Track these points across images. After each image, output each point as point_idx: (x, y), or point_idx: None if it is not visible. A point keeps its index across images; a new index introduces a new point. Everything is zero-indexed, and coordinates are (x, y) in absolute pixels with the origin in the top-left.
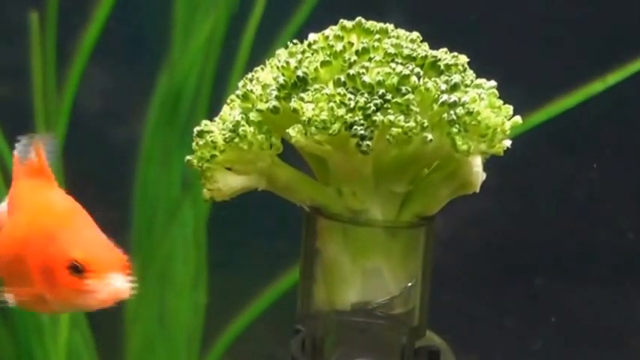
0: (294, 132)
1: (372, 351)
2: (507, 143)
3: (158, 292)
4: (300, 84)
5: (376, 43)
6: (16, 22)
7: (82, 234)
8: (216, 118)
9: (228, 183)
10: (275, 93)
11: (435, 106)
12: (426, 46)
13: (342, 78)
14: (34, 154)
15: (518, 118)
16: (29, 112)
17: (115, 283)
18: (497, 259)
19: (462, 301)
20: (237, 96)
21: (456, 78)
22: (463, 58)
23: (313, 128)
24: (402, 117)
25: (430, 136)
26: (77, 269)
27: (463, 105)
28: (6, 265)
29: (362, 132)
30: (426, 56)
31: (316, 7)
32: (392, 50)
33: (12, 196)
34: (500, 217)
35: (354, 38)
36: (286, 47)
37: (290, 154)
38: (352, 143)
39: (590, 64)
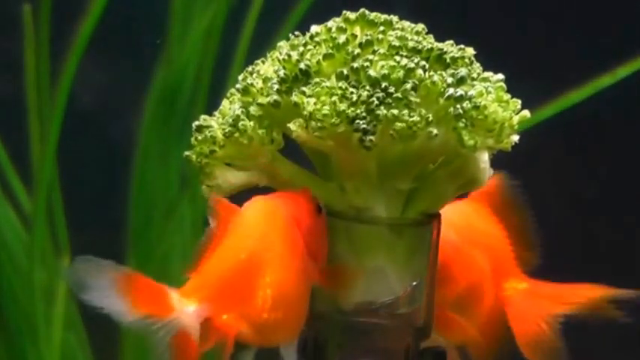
0: (295, 127)
1: (376, 352)
2: (515, 138)
3: None
4: (301, 77)
5: (380, 36)
6: (9, 15)
7: None
8: (216, 113)
9: (228, 179)
10: (276, 86)
11: (441, 100)
12: (431, 38)
13: (346, 71)
14: None
15: (526, 113)
16: (22, 107)
17: None
18: None
19: None
20: (237, 90)
21: (463, 71)
22: (470, 51)
23: (315, 123)
24: (406, 111)
25: (435, 131)
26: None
27: (470, 99)
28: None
29: (365, 126)
30: (431, 49)
31: None
32: (396, 43)
33: None
34: None
35: (357, 30)
36: (288, 39)
37: (291, 149)
38: (355, 138)
39: (600, 57)
